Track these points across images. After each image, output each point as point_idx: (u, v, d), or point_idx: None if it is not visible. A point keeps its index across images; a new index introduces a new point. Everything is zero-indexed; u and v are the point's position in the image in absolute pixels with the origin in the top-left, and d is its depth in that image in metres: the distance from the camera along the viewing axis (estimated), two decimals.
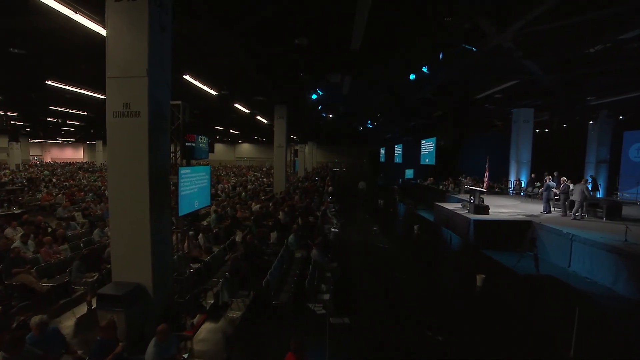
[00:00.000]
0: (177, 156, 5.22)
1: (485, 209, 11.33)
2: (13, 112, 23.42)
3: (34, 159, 46.51)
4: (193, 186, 5.12)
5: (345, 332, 5.38)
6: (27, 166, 35.21)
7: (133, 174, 4.87)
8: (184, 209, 4.89)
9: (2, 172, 25.52)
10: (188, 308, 5.37)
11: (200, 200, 5.40)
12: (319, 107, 13.20)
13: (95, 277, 6.05)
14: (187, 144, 4.90)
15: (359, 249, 10.40)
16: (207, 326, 5.45)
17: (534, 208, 12.50)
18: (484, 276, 7.44)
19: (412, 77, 8.00)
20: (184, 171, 4.84)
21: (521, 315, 6.02)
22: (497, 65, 10.23)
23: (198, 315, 5.58)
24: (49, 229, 8.69)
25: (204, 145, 5.38)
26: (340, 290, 6.68)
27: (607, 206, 10.33)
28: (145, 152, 4.82)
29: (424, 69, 7.47)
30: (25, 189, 17.57)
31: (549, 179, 11.98)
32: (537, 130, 19.15)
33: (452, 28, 6.22)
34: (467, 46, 6.19)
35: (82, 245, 7.85)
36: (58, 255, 6.94)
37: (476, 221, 10.47)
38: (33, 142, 44.99)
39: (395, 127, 27.63)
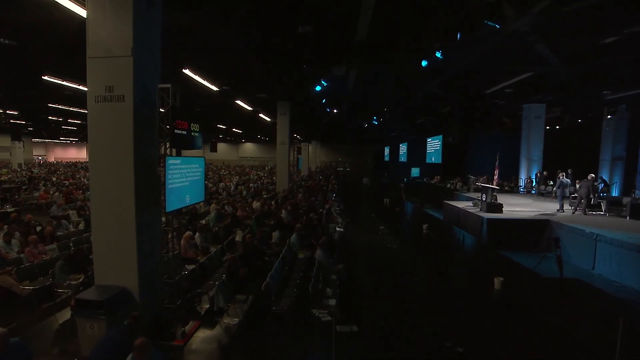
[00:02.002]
0: (167, 146, 4.71)
1: (498, 207, 10.74)
2: (13, 110, 23.16)
3: (38, 158, 46.51)
4: (184, 179, 4.62)
5: (353, 342, 4.86)
6: (29, 165, 35.04)
7: (117, 165, 4.38)
8: (172, 204, 4.38)
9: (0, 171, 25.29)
10: (179, 314, 4.86)
11: (193, 195, 4.89)
12: (323, 101, 12.67)
13: (80, 279, 5.58)
14: (176, 131, 4.39)
15: (366, 250, 9.86)
16: (200, 334, 4.93)
17: (548, 206, 11.94)
18: (502, 279, 6.88)
19: (424, 63, 7.45)
20: (172, 161, 4.34)
21: (550, 323, 5.44)
22: (512, 55, 9.64)
23: (191, 322, 5.07)
24: (39, 228, 8.23)
25: (196, 134, 4.87)
26: (347, 294, 6.14)
27: (631, 205, 9.70)
28: (130, 141, 4.32)
29: (438, 54, 6.92)
30: (24, 187, 17.21)
31: (562, 175, 11.43)
32: (548, 127, 18.52)
33: (474, 2, 5.65)
34: (490, 23, 5.62)
35: (71, 245, 7.38)
36: (44, 256, 6.47)
37: (490, 220, 9.88)
38: (37, 142, 44.92)
39: (401, 125, 27.05)
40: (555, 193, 11.76)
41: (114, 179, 4.39)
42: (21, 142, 33.56)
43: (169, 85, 4.48)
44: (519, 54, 9.51)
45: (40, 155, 48.77)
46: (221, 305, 5.09)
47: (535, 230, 9.58)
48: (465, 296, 6.77)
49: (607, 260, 7.34)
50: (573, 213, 10.60)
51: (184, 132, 4.58)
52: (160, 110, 4.55)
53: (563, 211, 10.98)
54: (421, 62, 7.45)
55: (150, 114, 4.52)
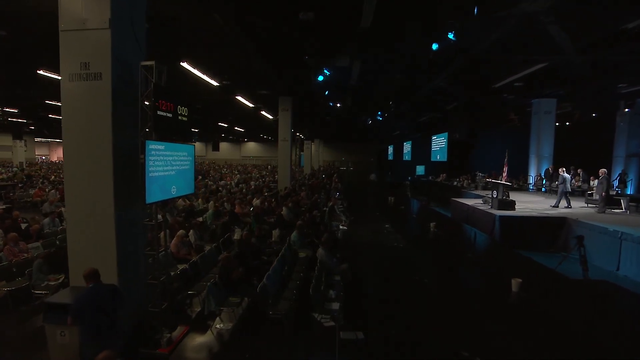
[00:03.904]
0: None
1: (511, 204, 10.17)
2: (13, 108, 22.85)
3: (41, 158, 46.44)
4: (169, 167, 4.12)
5: (359, 350, 4.35)
6: (31, 164, 34.86)
7: (94, 151, 3.90)
8: (154, 195, 3.88)
9: None
10: (165, 319, 4.37)
11: (180, 186, 4.39)
12: (326, 93, 12.17)
13: (60, 280, 5.11)
14: (159, 112, 3.89)
15: (372, 249, 9.34)
16: (188, 341, 4.44)
17: (561, 204, 11.40)
18: (520, 280, 6.33)
19: (434, 47, 6.91)
20: (154, 146, 3.83)
21: (578, 330, 4.90)
22: (526, 43, 9.08)
23: (179, 328, 4.59)
24: (24, 225, 7.79)
25: (184, 119, 4.37)
26: (352, 297, 5.63)
27: None
28: (109, 123, 3.85)
29: (450, 35, 6.39)
30: (20, 185, 16.89)
31: (563, 170, 11.06)
32: (557, 124, 17.94)
33: None
34: None
35: (57, 243, 6.94)
36: (24, 254, 6.02)
37: (502, 217, 9.33)
38: (40, 141, 44.83)
39: (405, 122, 26.48)
40: (557, 189, 11.36)
41: (90, 167, 3.92)
42: (23, 141, 33.35)
43: (152, 62, 3.99)
44: (533, 42, 8.96)
45: (43, 155, 48.68)
46: (212, 309, 4.59)
47: (552, 229, 9.02)
48: (480, 299, 6.23)
49: (635, 261, 6.76)
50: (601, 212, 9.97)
51: (169, 115, 4.08)
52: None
53: (570, 207, 10.56)
54: (432, 46, 6.92)
55: (131, 94, 4.03)
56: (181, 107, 4.27)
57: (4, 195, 13.96)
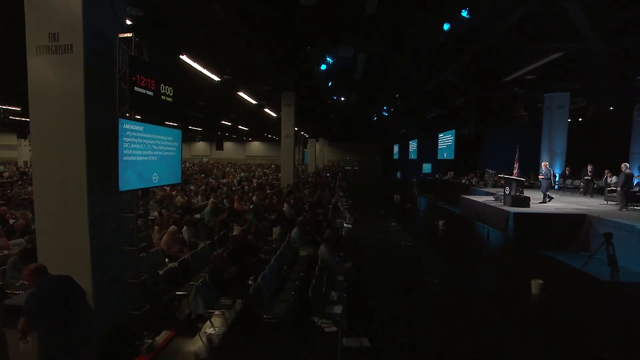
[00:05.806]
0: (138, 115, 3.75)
1: (525, 201, 9.62)
2: (16, 106, 22.61)
3: None
4: (149, 152, 3.66)
5: (363, 358, 3.86)
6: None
7: (64, 135, 3.46)
8: (130, 182, 3.42)
9: None
10: (148, 323, 3.91)
11: (163, 174, 3.92)
12: (329, 84, 11.70)
13: None
14: (137, 88, 3.43)
15: (377, 248, 8.83)
16: (173, 348, 3.97)
17: (577, 200, 10.94)
18: (541, 281, 5.79)
19: (446, 27, 6.38)
20: (130, 126, 3.37)
21: (609, 337, 4.36)
22: (543, 29, 8.52)
23: (164, 332, 4.13)
24: (12, 221, 7.41)
25: (169, 99, 3.91)
26: (356, 299, 5.14)
27: None
28: (81, 102, 3.40)
29: (464, 13, 5.87)
30: (19, 182, 16.65)
31: (546, 165, 11.04)
32: (569, 120, 17.30)
33: None
34: None
35: None
36: (5, 251, 5.62)
37: (517, 214, 8.77)
38: None
39: (411, 120, 25.90)
40: (540, 183, 11.36)
41: (60, 153, 3.47)
42: (28, 140, 33.33)
43: (131, 35, 3.54)
44: (551, 26, 8.40)
45: None
46: (200, 312, 4.13)
47: (571, 226, 8.44)
48: (497, 302, 5.69)
49: None
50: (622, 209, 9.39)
51: (150, 93, 3.62)
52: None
53: (546, 202, 10.55)
54: (443, 26, 6.41)
55: (108, 70, 3.58)
56: (165, 85, 3.81)
57: (1, 193, 13.70)
